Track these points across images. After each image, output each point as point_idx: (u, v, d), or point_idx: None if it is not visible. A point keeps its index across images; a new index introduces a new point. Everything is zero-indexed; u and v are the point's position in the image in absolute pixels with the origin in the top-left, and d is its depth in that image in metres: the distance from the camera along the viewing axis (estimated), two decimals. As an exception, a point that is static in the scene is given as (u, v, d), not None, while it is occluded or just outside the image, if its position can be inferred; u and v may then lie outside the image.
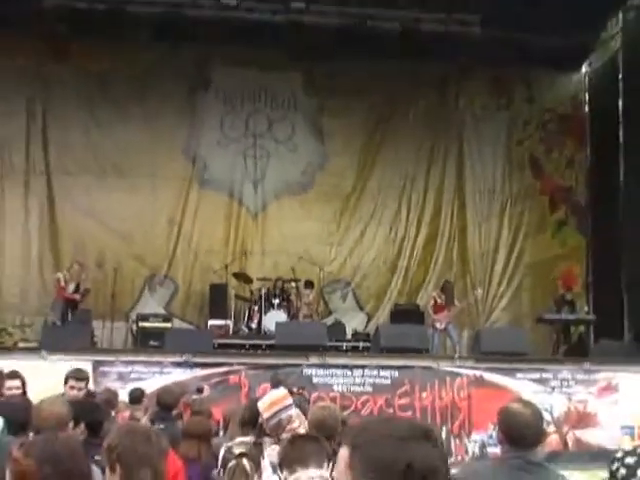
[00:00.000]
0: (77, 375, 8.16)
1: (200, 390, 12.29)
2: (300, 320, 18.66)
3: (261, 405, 6.27)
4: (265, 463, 5.76)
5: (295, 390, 9.95)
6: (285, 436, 5.96)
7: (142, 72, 19.94)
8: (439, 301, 18.37)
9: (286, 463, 4.80)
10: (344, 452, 2.24)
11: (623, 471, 3.48)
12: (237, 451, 6.03)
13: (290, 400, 6.34)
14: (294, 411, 6.26)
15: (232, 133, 20.79)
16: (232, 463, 5.73)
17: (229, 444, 6.44)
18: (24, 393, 8.09)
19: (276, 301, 18.72)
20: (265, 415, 6.16)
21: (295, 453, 4.71)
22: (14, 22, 18.29)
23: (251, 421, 6.51)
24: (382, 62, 19.74)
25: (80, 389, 7.99)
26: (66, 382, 8.07)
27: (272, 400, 6.28)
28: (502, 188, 21.50)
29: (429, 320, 18.42)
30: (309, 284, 19.22)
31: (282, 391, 6.61)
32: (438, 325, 18.05)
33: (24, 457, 3.24)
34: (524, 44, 19.43)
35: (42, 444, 3.35)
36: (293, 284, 19.22)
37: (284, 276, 19.25)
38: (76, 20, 18.42)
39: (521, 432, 4.66)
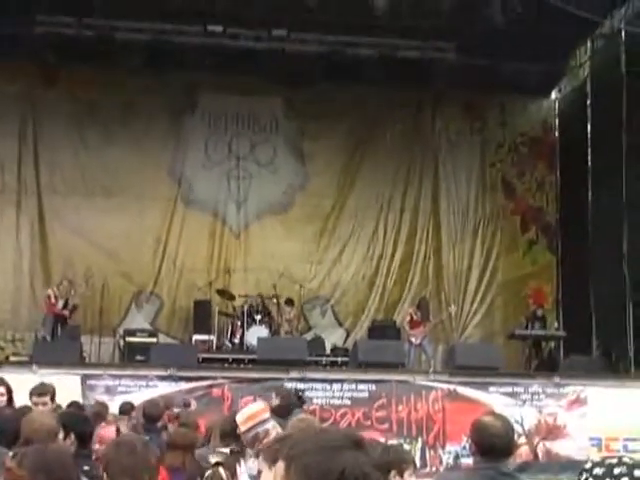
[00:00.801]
0: (39, 391, 7.73)
1: (187, 405, 12.49)
2: (281, 335, 18.94)
3: (238, 418, 6.28)
4: (242, 470, 5.91)
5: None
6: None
7: (129, 97, 20.29)
8: (415, 317, 18.66)
9: None
10: (279, 466, 2.24)
11: (591, 482, 3.65)
12: (213, 460, 6.04)
13: (267, 414, 6.33)
14: (271, 424, 6.22)
15: (216, 155, 21.14)
16: (208, 472, 5.71)
17: (204, 454, 6.55)
18: (10, 400, 8.02)
19: (258, 317, 18.96)
20: (242, 428, 6.18)
21: None
22: (6, 48, 18.49)
23: (232, 433, 6.56)
24: (360, 87, 20.14)
25: (45, 404, 7.57)
26: (30, 398, 7.65)
27: (249, 414, 6.27)
28: (475, 209, 21.80)
29: (405, 335, 18.68)
30: (290, 302, 19.45)
31: (260, 405, 6.63)
32: (414, 340, 18.31)
33: (17, 467, 3.28)
34: (497, 70, 19.85)
35: (34, 454, 3.37)
36: (274, 301, 19.46)
37: (266, 293, 19.51)
38: (65, 46, 18.58)
39: (492, 443, 4.73)
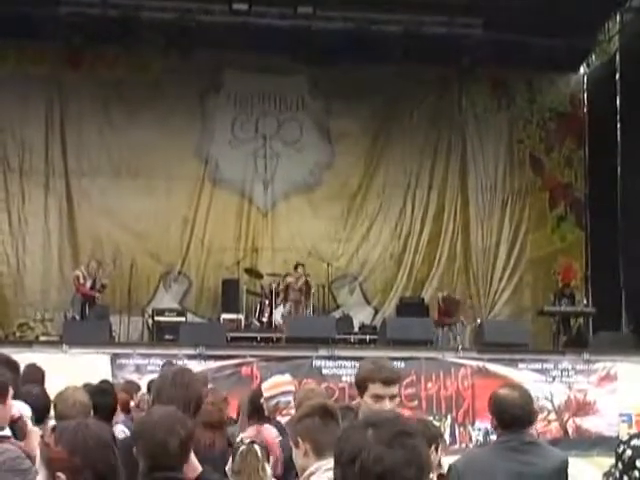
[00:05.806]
0: None
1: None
2: (307, 314, 18.98)
3: (264, 385, 6.53)
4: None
5: None
6: (281, 419, 6.31)
7: (155, 77, 20.32)
8: (443, 307, 19.03)
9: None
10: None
11: (629, 452, 3.53)
12: (247, 441, 5.96)
13: (292, 387, 6.55)
14: (292, 398, 6.39)
15: (243, 134, 21.12)
16: (243, 447, 5.66)
17: (234, 432, 6.63)
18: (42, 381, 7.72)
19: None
20: (265, 394, 6.39)
21: (327, 437, 3.83)
22: (30, 30, 18.63)
23: (259, 410, 6.70)
24: (386, 64, 20.03)
25: None
26: None
27: (274, 382, 6.52)
28: (503, 185, 21.70)
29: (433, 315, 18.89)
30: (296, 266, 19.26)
31: (287, 377, 6.82)
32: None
33: (55, 444, 3.16)
34: (524, 46, 19.72)
35: (73, 433, 3.22)
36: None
37: (293, 272, 19.37)
38: (90, 27, 18.57)
39: (512, 414, 4.80)
